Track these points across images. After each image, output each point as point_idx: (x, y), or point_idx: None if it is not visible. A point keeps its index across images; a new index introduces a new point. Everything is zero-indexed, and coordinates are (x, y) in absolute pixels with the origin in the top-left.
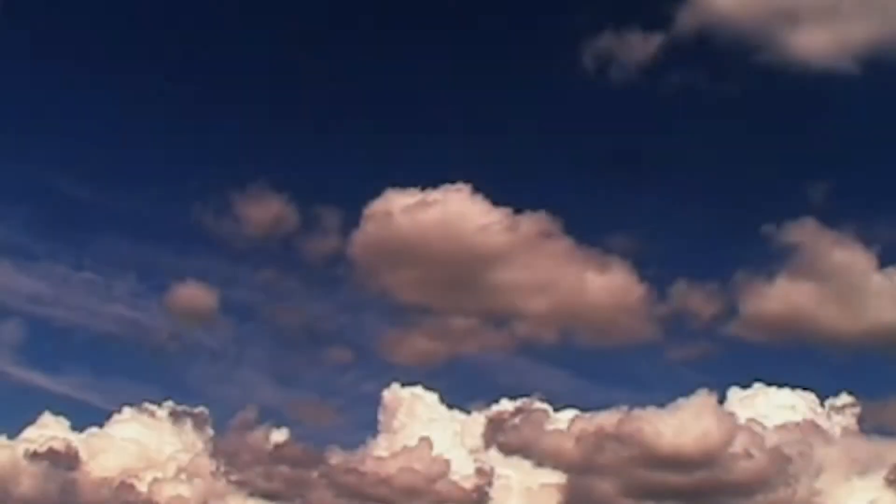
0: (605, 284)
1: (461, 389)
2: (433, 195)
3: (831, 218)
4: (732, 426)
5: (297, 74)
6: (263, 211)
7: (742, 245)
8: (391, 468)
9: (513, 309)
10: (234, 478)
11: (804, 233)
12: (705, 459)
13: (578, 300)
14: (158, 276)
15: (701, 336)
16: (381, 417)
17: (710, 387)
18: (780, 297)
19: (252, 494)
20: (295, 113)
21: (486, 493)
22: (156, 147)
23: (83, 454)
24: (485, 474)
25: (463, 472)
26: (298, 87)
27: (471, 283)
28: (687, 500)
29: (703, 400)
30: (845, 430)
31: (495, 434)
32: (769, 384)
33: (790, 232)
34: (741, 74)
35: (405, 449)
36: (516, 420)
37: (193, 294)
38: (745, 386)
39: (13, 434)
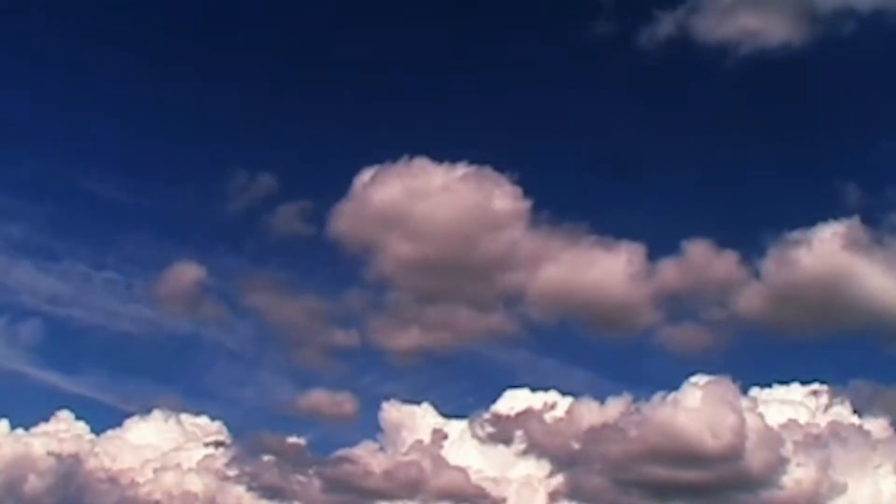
0: (613, 271)
1: (464, 382)
2: (433, 173)
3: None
4: (744, 421)
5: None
6: (281, 210)
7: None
8: (397, 465)
9: (516, 297)
10: (242, 475)
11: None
12: (716, 455)
13: (585, 288)
14: (178, 277)
15: (714, 324)
16: (382, 427)
17: (727, 378)
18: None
19: (254, 489)
20: (305, 109)
21: (489, 489)
22: (179, 147)
23: (96, 453)
24: (488, 470)
25: (467, 468)
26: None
27: (475, 270)
28: (695, 496)
29: (717, 392)
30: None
31: (498, 430)
32: (789, 377)
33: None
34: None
35: (412, 446)
36: (519, 414)
37: (210, 294)
38: (765, 379)
39: (27, 432)
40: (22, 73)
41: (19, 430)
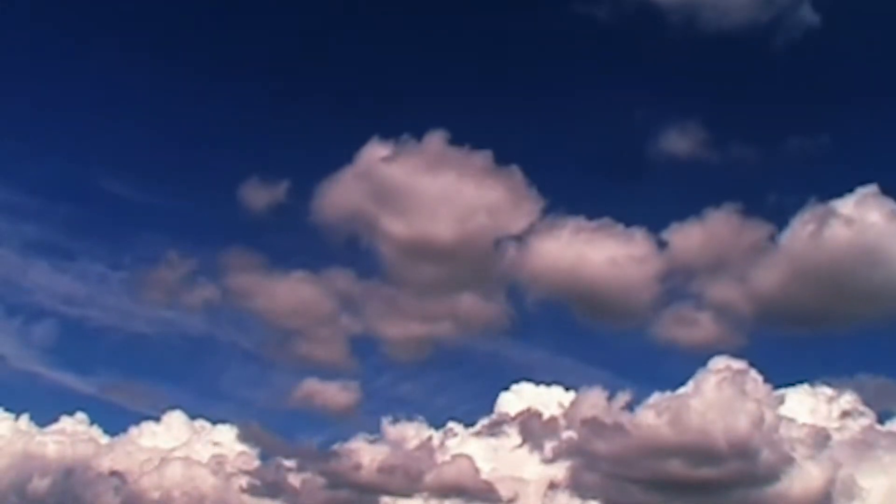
0: (620, 262)
1: (468, 376)
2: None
3: None
4: (755, 416)
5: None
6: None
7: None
8: (401, 462)
9: (520, 289)
10: (246, 474)
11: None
12: (725, 451)
13: (588, 280)
14: (194, 277)
15: (726, 317)
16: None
17: (738, 373)
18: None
19: (256, 487)
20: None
21: (493, 484)
22: (195, 147)
23: (105, 453)
24: (491, 465)
25: (472, 464)
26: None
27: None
28: (703, 493)
29: (727, 387)
30: None
31: (502, 426)
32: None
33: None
34: None
35: (417, 443)
36: (524, 410)
37: (223, 295)
38: (781, 373)
39: (39, 432)
40: (38, 74)
41: (33, 428)
